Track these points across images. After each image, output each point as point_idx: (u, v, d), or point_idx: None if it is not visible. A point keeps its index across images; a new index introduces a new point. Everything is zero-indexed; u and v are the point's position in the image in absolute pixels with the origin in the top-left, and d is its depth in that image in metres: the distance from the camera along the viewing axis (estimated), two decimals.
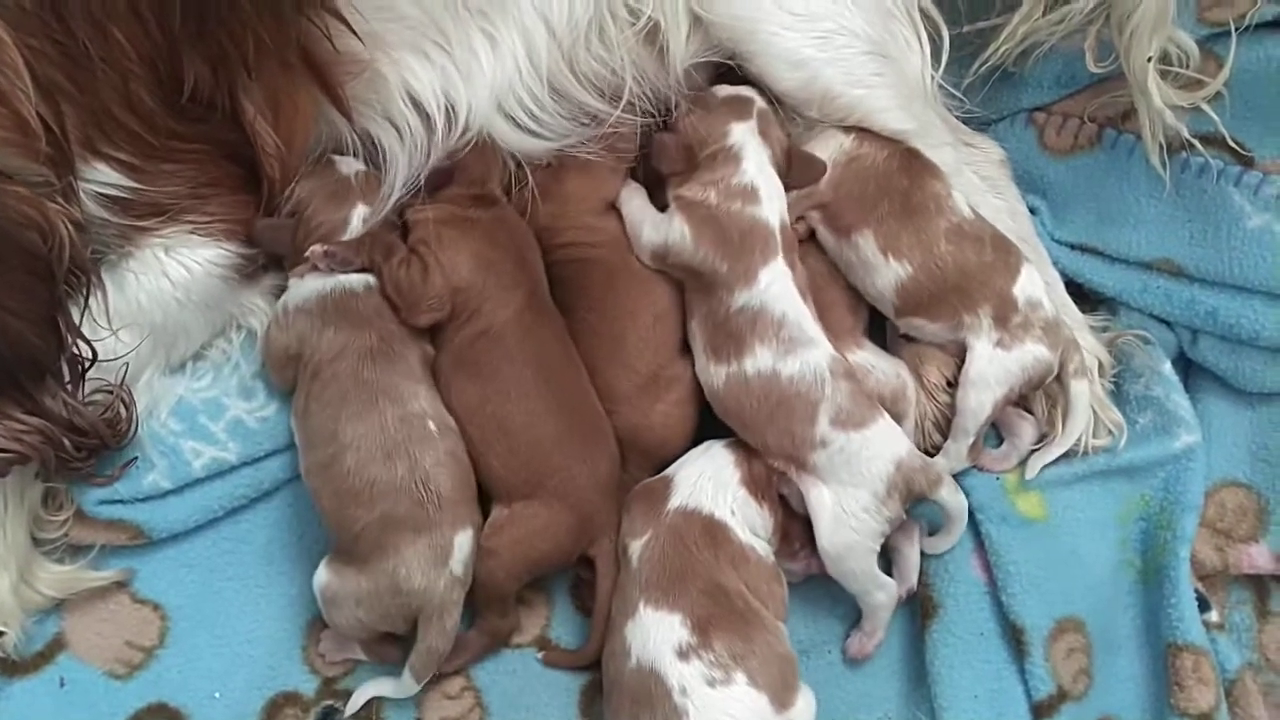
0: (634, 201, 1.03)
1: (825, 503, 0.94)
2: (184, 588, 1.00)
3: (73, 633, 0.98)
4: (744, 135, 1.01)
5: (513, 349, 0.97)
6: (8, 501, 0.94)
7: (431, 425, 0.95)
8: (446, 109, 0.99)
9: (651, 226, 1.01)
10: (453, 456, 0.95)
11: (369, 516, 0.91)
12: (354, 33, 0.91)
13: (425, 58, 0.97)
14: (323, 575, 0.93)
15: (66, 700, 0.97)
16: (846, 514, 0.94)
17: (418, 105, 0.99)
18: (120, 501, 0.98)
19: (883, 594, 0.96)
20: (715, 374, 0.98)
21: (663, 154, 1.02)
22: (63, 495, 0.97)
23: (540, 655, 1.00)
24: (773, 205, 1.00)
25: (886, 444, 0.94)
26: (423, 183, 1.01)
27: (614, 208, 1.04)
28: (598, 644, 0.96)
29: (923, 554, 1.01)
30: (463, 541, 0.93)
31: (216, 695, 0.98)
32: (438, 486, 0.92)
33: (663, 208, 1.02)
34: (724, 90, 1.04)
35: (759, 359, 0.96)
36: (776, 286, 0.97)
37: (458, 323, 0.98)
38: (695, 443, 1.01)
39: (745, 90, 1.03)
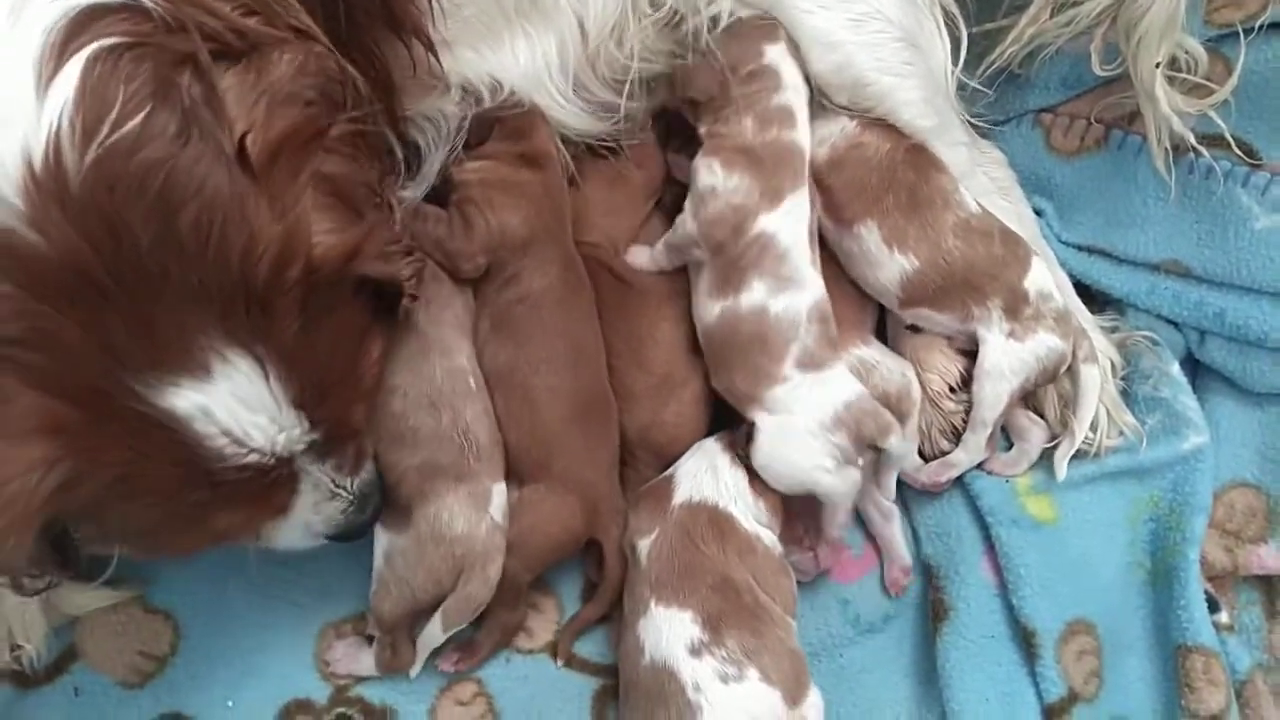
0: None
1: (767, 424, 0.95)
2: (195, 596, 1.01)
3: (86, 643, 0.99)
4: (778, 55, 0.99)
5: (548, 319, 0.98)
6: None
7: (472, 381, 0.97)
8: (492, 87, 0.98)
9: (687, 209, 0.99)
10: (488, 413, 0.97)
11: (411, 461, 0.93)
12: (436, 58, 0.90)
13: (476, 53, 0.97)
14: (379, 538, 0.94)
15: (80, 710, 0.97)
16: (788, 432, 0.94)
17: (467, 93, 0.98)
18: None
19: (830, 477, 0.95)
20: (710, 309, 0.98)
21: (694, 78, 1.00)
22: None
23: (559, 663, 1.00)
24: (805, 130, 0.99)
25: (839, 387, 0.95)
26: (467, 133, 0.99)
27: (633, 218, 1.04)
28: (600, 607, 0.98)
29: (932, 559, 1.01)
30: (499, 490, 0.95)
31: (229, 704, 0.98)
32: (477, 438, 0.94)
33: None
34: (747, 16, 1.00)
35: (754, 293, 0.96)
36: (793, 217, 0.97)
37: (497, 284, 0.99)
38: None
39: (769, 17, 1.01)
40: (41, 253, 0.62)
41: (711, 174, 0.98)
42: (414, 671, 0.97)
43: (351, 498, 0.83)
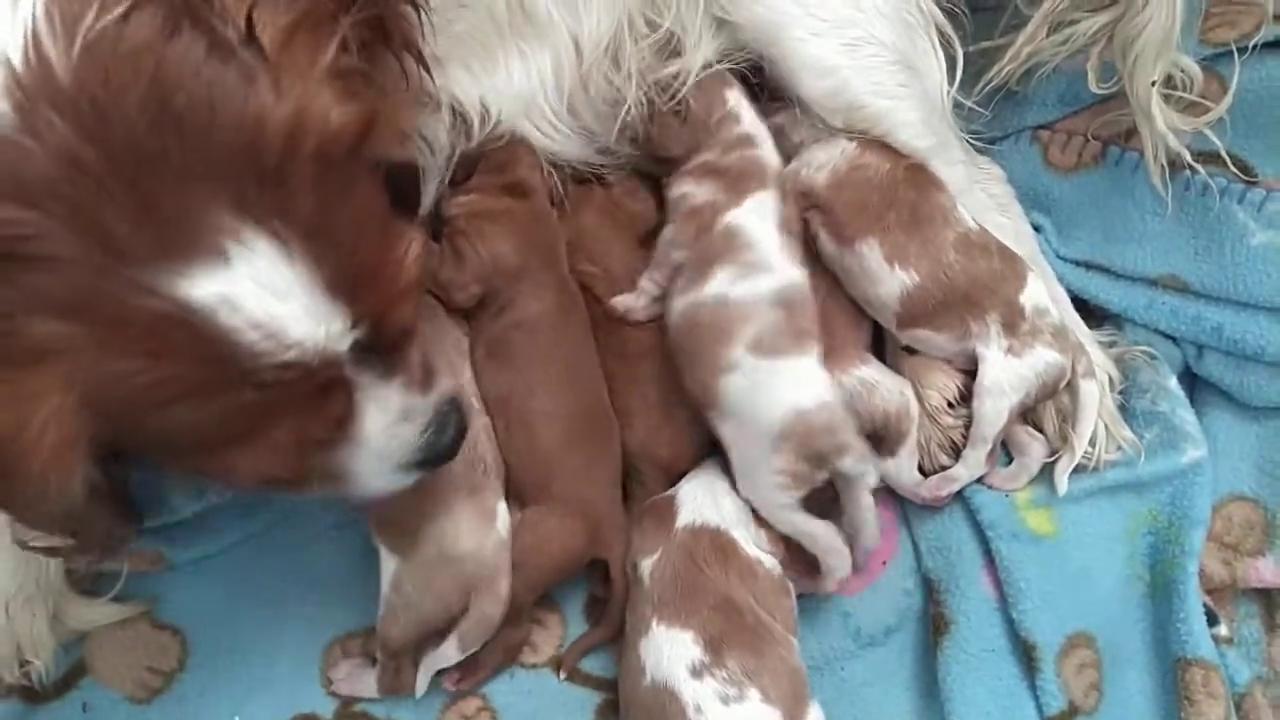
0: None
1: (727, 444, 0.96)
2: (203, 611, 1.02)
3: (95, 658, 1.00)
4: (737, 97, 1.03)
5: (544, 344, 0.99)
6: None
7: (475, 401, 0.97)
8: (481, 114, 0.99)
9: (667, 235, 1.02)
10: (488, 431, 0.98)
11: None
12: (429, 73, 0.88)
13: (469, 71, 0.97)
14: (385, 563, 0.94)
15: None
16: (741, 455, 0.94)
17: (457, 116, 0.98)
18: (142, 529, 0.99)
19: (808, 539, 0.95)
20: (675, 306, 0.99)
21: (665, 137, 1.03)
22: None
23: (561, 676, 1.01)
24: (768, 148, 1.03)
25: (793, 386, 0.93)
26: (453, 171, 1.00)
27: (625, 250, 1.06)
28: (610, 630, 0.99)
29: (933, 573, 1.02)
30: (503, 508, 0.96)
31: (236, 718, 0.99)
32: (484, 453, 0.95)
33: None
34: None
35: (717, 282, 0.97)
36: (757, 214, 0.99)
37: (492, 311, 1.00)
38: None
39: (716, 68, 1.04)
40: (30, 154, 0.59)
41: (682, 187, 1.01)
42: (419, 693, 0.96)
43: (428, 418, 0.78)
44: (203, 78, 0.61)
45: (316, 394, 0.68)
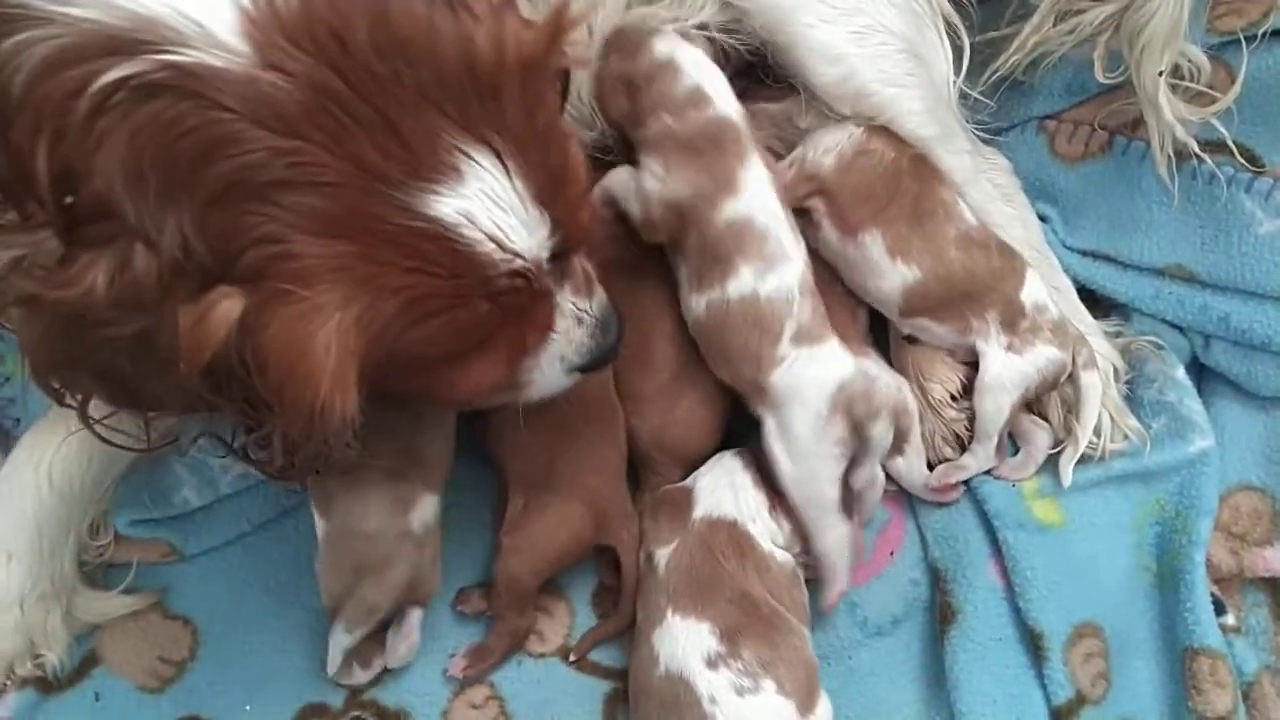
0: (617, 176, 1.00)
1: (777, 431, 0.95)
2: (213, 601, 1.02)
3: (106, 648, 1.01)
4: (668, 45, 0.98)
5: None
6: (59, 536, 0.96)
7: None
8: None
9: (632, 192, 0.98)
10: (443, 425, 0.97)
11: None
12: None
13: None
14: (318, 523, 0.95)
15: (102, 714, 0.99)
16: (796, 437, 0.94)
17: None
18: (152, 520, 1.00)
19: (832, 535, 0.96)
20: (697, 302, 0.98)
21: (603, 101, 1.00)
22: (100, 521, 1.00)
23: (569, 660, 1.01)
24: (726, 100, 0.98)
25: (833, 363, 0.95)
26: None
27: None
28: (623, 621, 0.98)
29: (940, 562, 1.02)
30: (428, 502, 0.94)
31: (247, 708, 0.99)
32: (423, 446, 0.94)
33: None
34: (624, 25, 1.01)
35: (742, 279, 0.95)
36: (758, 191, 0.96)
37: None
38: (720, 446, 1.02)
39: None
40: (282, 88, 0.62)
41: (653, 175, 0.96)
42: (330, 670, 0.96)
43: (595, 320, 0.82)
44: (415, 6, 0.65)
45: (531, 302, 0.73)
